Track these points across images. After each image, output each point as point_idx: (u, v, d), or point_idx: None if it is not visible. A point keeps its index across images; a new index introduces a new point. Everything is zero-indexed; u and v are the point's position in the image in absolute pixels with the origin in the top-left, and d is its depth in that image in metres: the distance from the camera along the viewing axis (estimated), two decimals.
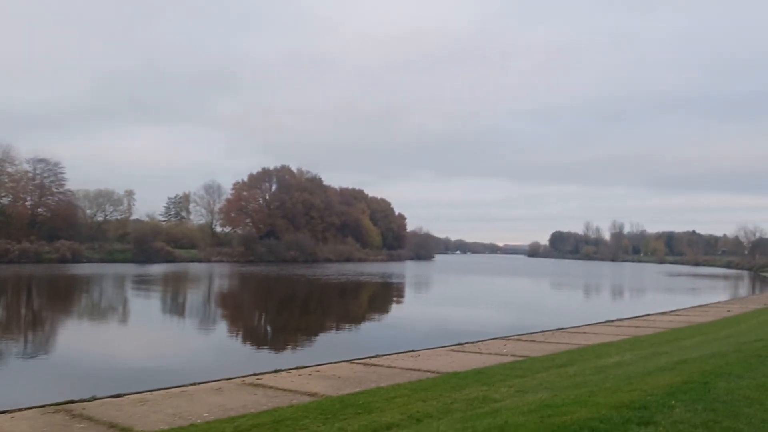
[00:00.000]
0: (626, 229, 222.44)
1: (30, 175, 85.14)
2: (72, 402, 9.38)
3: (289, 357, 17.16)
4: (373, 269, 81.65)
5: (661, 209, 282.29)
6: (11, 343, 19.70)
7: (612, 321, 23.91)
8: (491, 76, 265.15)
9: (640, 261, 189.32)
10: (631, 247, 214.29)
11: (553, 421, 5.85)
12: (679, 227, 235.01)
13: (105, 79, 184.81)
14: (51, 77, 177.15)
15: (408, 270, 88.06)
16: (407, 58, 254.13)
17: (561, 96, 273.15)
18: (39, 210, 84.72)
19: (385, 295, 45.75)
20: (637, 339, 17.28)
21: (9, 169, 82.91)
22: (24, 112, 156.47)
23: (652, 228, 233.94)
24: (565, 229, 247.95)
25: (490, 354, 14.89)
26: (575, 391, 8.13)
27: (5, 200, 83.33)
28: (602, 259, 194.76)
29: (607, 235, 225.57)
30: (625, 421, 5.71)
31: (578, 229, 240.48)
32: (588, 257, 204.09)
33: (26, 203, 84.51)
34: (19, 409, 8.97)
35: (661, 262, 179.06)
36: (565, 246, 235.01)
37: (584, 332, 20.06)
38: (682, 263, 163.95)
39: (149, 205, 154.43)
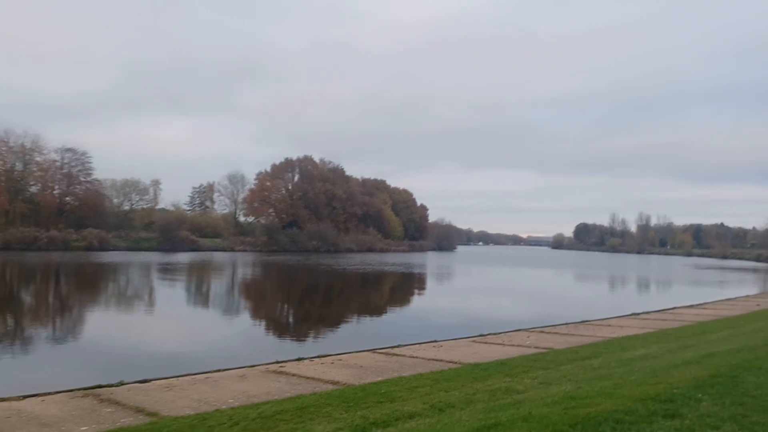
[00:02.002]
0: (653, 221, 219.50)
1: (58, 164, 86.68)
2: (100, 387, 9.55)
3: (311, 345, 17.27)
4: (394, 259, 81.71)
5: (689, 201, 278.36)
6: (41, 328, 20.14)
7: (637, 314, 23.63)
8: (518, 64, 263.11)
9: (666, 254, 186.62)
10: (657, 240, 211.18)
11: (577, 413, 5.81)
12: (707, 219, 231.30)
13: (133, 69, 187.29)
14: (80, 68, 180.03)
15: (430, 260, 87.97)
16: (433, 46, 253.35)
17: (589, 85, 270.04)
18: (67, 199, 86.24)
19: (407, 285, 45.78)
20: (663, 332, 17.06)
21: (38, 158, 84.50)
22: (53, 102, 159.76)
23: (680, 220, 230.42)
24: (590, 220, 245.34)
25: (513, 345, 14.83)
26: (600, 384, 8.06)
27: (34, 189, 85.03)
28: (628, 252, 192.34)
29: (633, 227, 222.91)
30: (650, 414, 5.65)
31: (604, 220, 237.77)
32: (613, 249, 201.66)
33: (54, 192, 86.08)
34: (49, 393, 9.15)
35: (689, 254, 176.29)
36: (590, 238, 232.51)
37: (609, 325, 19.87)
38: (710, 256, 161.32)
39: (174, 195, 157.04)
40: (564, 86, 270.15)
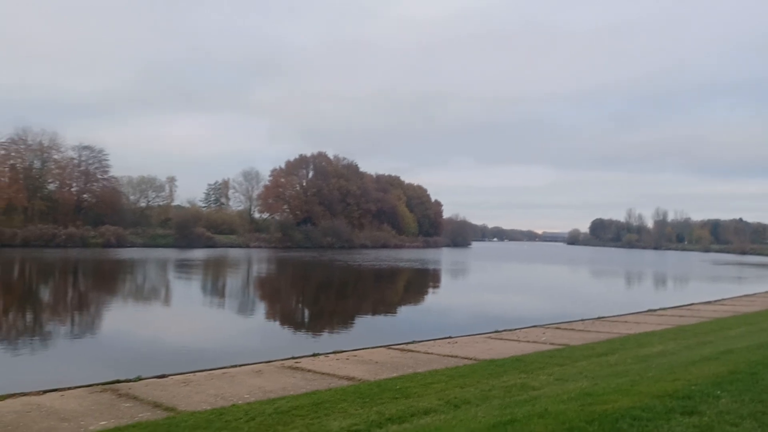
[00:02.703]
0: (670, 217, 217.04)
1: (75, 161, 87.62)
2: (118, 382, 9.66)
3: (326, 341, 17.32)
4: (409, 255, 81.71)
5: (707, 196, 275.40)
6: (61, 324, 20.40)
7: (654, 310, 23.42)
8: (534, 59, 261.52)
9: (684, 249, 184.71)
10: (674, 235, 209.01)
11: (593, 410, 5.78)
12: (725, 215, 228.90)
13: (149, 67, 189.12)
14: (97, 67, 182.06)
15: (444, 256, 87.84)
16: (448, 41, 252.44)
17: (606, 79, 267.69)
18: (84, 196, 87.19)
19: (421, 281, 45.77)
20: (680, 328, 16.91)
21: (55, 156, 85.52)
22: (70, 101, 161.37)
23: (697, 215, 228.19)
24: (606, 216, 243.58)
25: (529, 342, 14.77)
26: (616, 380, 8.01)
27: (52, 186, 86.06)
28: (644, 247, 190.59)
29: (649, 223, 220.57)
30: (668, 411, 5.60)
31: (620, 216, 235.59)
32: (630, 245, 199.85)
33: (72, 189, 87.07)
34: (68, 388, 9.27)
35: (706, 250, 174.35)
36: (606, 234, 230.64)
37: (625, 321, 19.72)
38: (728, 252, 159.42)
39: (190, 192, 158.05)
40: (581, 81, 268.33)
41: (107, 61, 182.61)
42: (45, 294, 30.37)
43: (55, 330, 18.92)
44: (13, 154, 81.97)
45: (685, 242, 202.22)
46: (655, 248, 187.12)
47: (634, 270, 69.50)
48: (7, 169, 79.99)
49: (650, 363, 9.91)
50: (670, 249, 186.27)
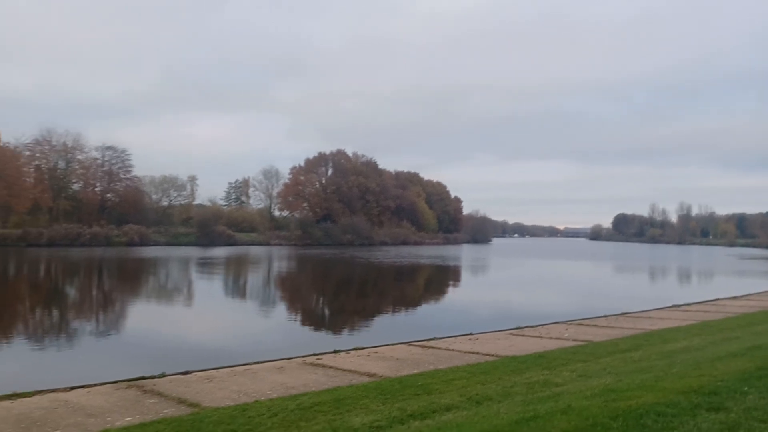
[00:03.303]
0: (694, 211, 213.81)
1: (99, 162, 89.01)
2: (143, 378, 9.79)
3: (347, 338, 17.38)
4: (429, 252, 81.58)
5: (733, 189, 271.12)
6: (86, 321, 20.72)
7: (679, 305, 23.11)
8: (558, 52, 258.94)
9: (708, 244, 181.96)
10: (699, 230, 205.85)
11: (617, 406, 5.73)
12: (751, 209, 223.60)
13: (173, 68, 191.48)
14: (121, 68, 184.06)
15: (464, 253, 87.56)
16: (471, 36, 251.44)
17: (632, 72, 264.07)
18: (108, 196, 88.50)
19: (442, 277, 45.69)
20: (705, 324, 16.66)
21: (79, 157, 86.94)
22: (94, 102, 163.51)
23: (722, 209, 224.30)
24: (629, 211, 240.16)
25: (551, 338, 14.67)
26: (640, 376, 7.93)
27: (76, 186, 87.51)
28: (668, 242, 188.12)
29: (673, 218, 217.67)
30: (694, 407, 5.53)
31: (643, 211, 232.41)
32: (653, 240, 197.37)
33: (96, 189, 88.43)
34: (95, 385, 9.41)
35: (732, 245, 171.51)
36: (629, 229, 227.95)
37: (649, 317, 19.49)
38: (755, 246, 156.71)
39: (211, 190, 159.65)
40: (605, 74, 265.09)
41: (131, 62, 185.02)
42: (71, 292, 30.88)
43: (81, 327, 19.23)
44: (38, 155, 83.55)
45: (710, 237, 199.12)
46: (679, 243, 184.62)
47: (657, 265, 68.62)
48: (32, 170, 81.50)
49: (675, 359, 9.79)
50: (694, 244, 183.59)
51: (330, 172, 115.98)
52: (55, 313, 23.21)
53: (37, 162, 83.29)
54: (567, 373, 9.33)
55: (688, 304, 23.67)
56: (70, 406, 8.06)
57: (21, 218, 74.19)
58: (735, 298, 26.95)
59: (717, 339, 12.92)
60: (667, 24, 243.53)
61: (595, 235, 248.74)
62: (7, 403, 8.20)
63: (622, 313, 20.36)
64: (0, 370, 13.05)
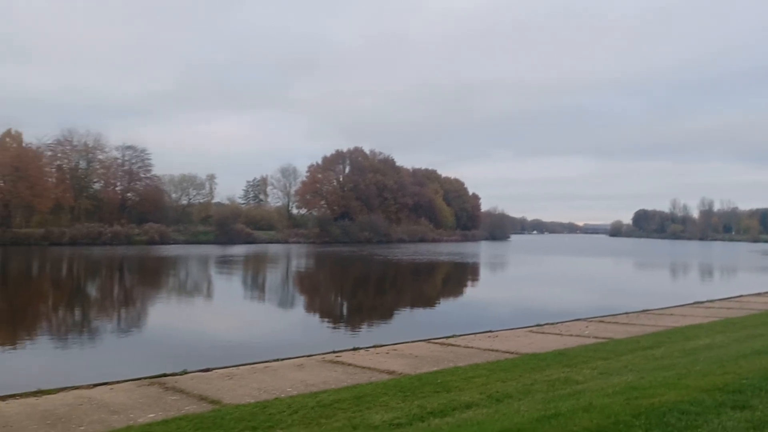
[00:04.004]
0: (716, 207, 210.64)
1: (119, 161, 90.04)
2: (165, 375, 9.89)
3: (366, 335, 17.40)
4: (447, 249, 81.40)
5: (756, 184, 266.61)
6: (108, 319, 20.98)
7: (701, 302, 22.81)
8: (577, 47, 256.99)
9: (731, 240, 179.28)
10: (721, 226, 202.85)
11: (639, 403, 5.67)
12: None
13: (192, 68, 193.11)
14: (141, 69, 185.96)
15: (483, 250, 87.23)
16: (488, 31, 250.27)
17: (651, 66, 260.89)
18: (128, 195, 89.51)
19: (460, 275, 45.57)
20: (729, 321, 16.42)
21: (100, 156, 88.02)
22: (114, 102, 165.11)
23: (745, 205, 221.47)
24: (649, 207, 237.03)
25: (571, 335, 14.56)
26: (663, 374, 7.84)
27: (97, 186, 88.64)
28: (690, 238, 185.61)
29: (695, 213, 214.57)
30: (718, 405, 5.46)
31: (664, 207, 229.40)
32: (674, 236, 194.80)
33: (116, 188, 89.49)
34: (117, 382, 9.54)
35: (755, 240, 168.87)
36: (650, 225, 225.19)
37: (671, 314, 19.27)
38: None
39: (229, 189, 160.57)
40: (624, 68, 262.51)
41: (151, 63, 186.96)
42: (94, 290, 31.29)
43: (104, 325, 19.48)
44: (59, 155, 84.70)
45: (733, 233, 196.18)
46: (701, 239, 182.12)
47: (678, 261, 67.79)
48: (54, 170, 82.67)
49: (698, 356, 9.67)
50: (716, 240, 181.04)
51: (347, 169, 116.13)
52: (78, 310, 23.54)
53: (58, 162, 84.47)
54: (588, 370, 9.26)
55: (711, 301, 23.35)
56: (94, 403, 8.17)
57: (43, 217, 75.39)
58: (759, 294, 26.54)
59: (741, 336, 12.73)
60: (685, 18, 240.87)
61: (615, 231, 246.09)
62: (32, 400, 8.34)
63: (643, 310, 20.15)
64: (25, 368, 13.27)
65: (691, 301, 22.96)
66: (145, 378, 9.72)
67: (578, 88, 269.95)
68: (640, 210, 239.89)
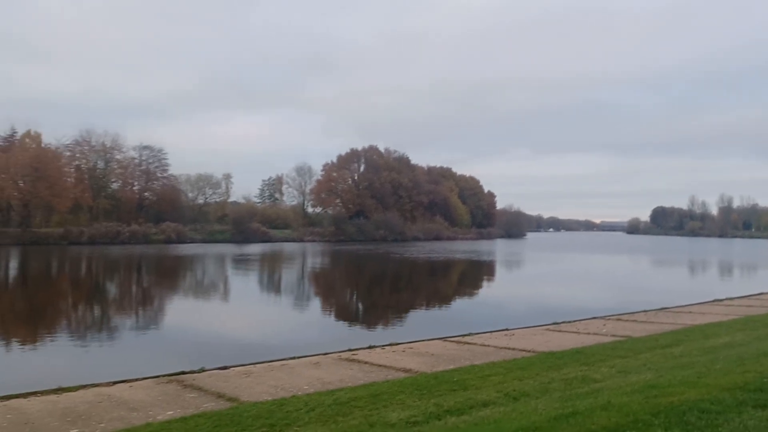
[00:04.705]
0: (735, 203, 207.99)
1: (137, 161, 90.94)
2: (183, 373, 9.97)
3: (381, 333, 17.40)
4: (462, 247, 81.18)
5: None
6: (127, 317, 21.19)
7: (721, 300, 22.54)
8: (594, 43, 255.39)
9: (751, 237, 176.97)
10: (741, 223, 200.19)
11: (659, 402, 5.62)
12: None
13: (209, 68, 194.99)
14: (158, 68, 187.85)
15: (499, 248, 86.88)
16: (506, 27, 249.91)
17: (670, 63, 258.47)
18: (146, 194, 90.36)
19: (476, 273, 45.43)
20: (749, 319, 16.22)
21: (118, 156, 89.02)
22: (132, 103, 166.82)
23: (766, 201, 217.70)
24: (667, 204, 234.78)
25: (589, 334, 14.46)
26: (682, 372, 7.76)
27: (115, 186, 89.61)
28: (709, 236, 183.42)
29: (714, 210, 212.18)
30: (739, 404, 5.40)
31: (682, 204, 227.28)
32: (693, 233, 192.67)
33: (134, 188, 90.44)
34: (136, 379, 9.63)
35: None
36: (668, 222, 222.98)
37: (690, 312, 19.06)
38: None
39: (245, 188, 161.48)
40: (643, 63, 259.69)
41: (168, 64, 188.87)
42: (113, 289, 31.62)
43: (123, 323, 19.67)
44: (78, 155, 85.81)
45: (753, 230, 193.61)
46: (720, 236, 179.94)
47: (697, 259, 67.02)
48: (72, 170, 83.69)
49: (717, 354, 9.56)
50: (736, 237, 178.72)
51: (362, 168, 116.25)
52: (98, 309, 23.81)
53: (77, 162, 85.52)
54: (606, 368, 9.19)
55: (731, 299, 23.07)
56: (114, 401, 8.26)
57: (63, 217, 76.40)
58: None
59: (761, 334, 12.57)
60: (705, 12, 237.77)
61: (633, 228, 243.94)
62: (53, 397, 8.45)
63: (662, 308, 19.96)
64: (46, 365, 13.45)
65: (711, 299, 22.70)
66: (164, 376, 9.80)
67: (596, 83, 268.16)
68: (657, 207, 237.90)
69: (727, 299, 22.82)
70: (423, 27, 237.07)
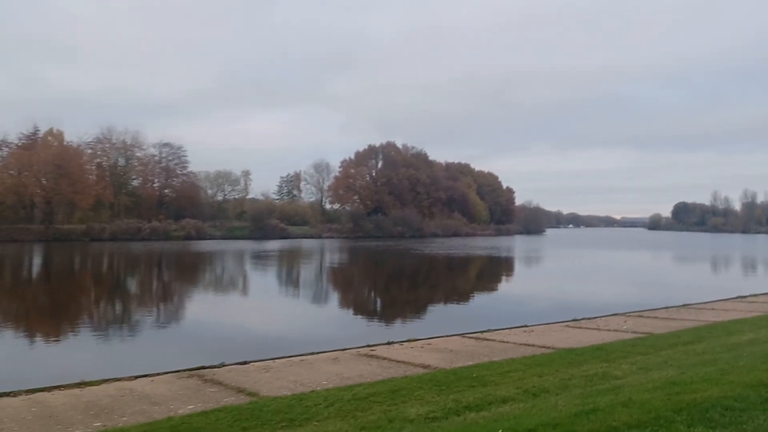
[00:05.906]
0: (759, 199, 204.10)
1: (157, 158, 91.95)
2: (203, 368, 10.07)
3: (400, 329, 17.41)
4: (481, 243, 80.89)
5: None
6: (148, 313, 21.43)
7: (744, 296, 22.21)
8: (617, 37, 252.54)
9: None
10: (765, 218, 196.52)
11: (681, 399, 5.55)
12: None
13: (229, 66, 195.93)
14: (179, 67, 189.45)
15: (518, 244, 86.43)
16: (528, 22, 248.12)
17: (694, 57, 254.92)
18: (166, 191, 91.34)
19: (495, 269, 45.25)
20: None
21: (138, 154, 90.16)
22: (153, 101, 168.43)
23: None
24: (689, 199, 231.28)
25: (609, 330, 14.33)
26: (704, 369, 7.66)
27: (136, 182, 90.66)
28: (731, 232, 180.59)
29: (737, 206, 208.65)
30: (764, 401, 5.32)
31: (704, 199, 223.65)
32: (715, 229, 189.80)
33: (154, 185, 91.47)
34: (158, 374, 9.75)
35: None
36: (690, 218, 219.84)
37: (713, 308, 18.80)
38: None
39: (264, 185, 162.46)
40: (666, 57, 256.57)
41: (189, 62, 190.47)
42: (134, 284, 32.00)
43: (144, 318, 19.89)
44: (99, 152, 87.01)
45: None
46: (743, 232, 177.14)
47: (720, 255, 66.04)
48: (94, 167, 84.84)
49: (741, 351, 9.41)
50: (760, 233, 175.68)
51: (380, 164, 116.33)
52: (119, 304, 24.11)
53: (98, 159, 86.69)
54: (627, 365, 9.10)
55: (755, 295, 22.72)
56: (135, 395, 8.36)
57: (84, 214, 77.48)
58: None
59: None
60: (728, 4, 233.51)
61: (654, 224, 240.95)
62: (76, 391, 8.58)
63: (684, 305, 19.71)
64: (69, 360, 13.66)
65: (734, 296, 22.37)
66: (185, 370, 9.90)
67: (619, 77, 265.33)
68: (679, 203, 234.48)
69: (751, 296, 22.47)
70: (442, 21, 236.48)
